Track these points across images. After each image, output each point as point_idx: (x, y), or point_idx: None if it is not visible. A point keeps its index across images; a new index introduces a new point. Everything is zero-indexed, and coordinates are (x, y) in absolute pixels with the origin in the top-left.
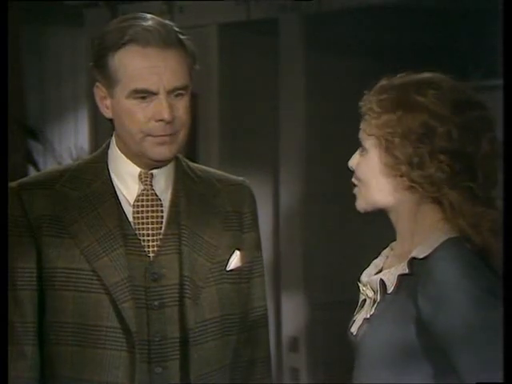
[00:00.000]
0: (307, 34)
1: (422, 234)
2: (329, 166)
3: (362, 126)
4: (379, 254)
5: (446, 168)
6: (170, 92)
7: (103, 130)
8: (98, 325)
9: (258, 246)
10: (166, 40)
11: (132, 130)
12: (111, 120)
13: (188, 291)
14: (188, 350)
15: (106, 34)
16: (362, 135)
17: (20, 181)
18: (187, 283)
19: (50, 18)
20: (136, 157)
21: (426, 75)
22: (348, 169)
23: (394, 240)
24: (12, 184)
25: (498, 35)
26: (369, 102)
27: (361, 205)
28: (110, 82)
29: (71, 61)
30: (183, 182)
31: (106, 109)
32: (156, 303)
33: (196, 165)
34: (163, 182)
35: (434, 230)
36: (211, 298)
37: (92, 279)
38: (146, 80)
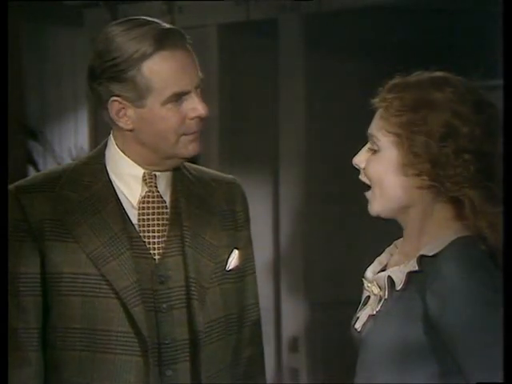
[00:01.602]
0: (307, 34)
1: (431, 232)
2: (329, 166)
3: (379, 124)
4: (383, 251)
5: (471, 167)
6: (196, 88)
7: (103, 130)
8: (108, 329)
9: (250, 243)
10: (182, 38)
11: (167, 133)
12: (123, 128)
13: (195, 293)
14: (197, 351)
15: (118, 47)
16: (375, 133)
17: (17, 184)
18: (193, 284)
19: (49, 18)
20: (162, 159)
21: (440, 74)
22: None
23: (395, 239)
24: (9, 187)
25: (498, 35)
26: (386, 99)
27: (375, 208)
28: (139, 93)
29: (71, 61)
30: (181, 182)
31: (127, 120)
32: (164, 306)
33: (189, 164)
34: (164, 183)
35: (444, 228)
36: (215, 298)
37: (100, 284)
38: (181, 82)
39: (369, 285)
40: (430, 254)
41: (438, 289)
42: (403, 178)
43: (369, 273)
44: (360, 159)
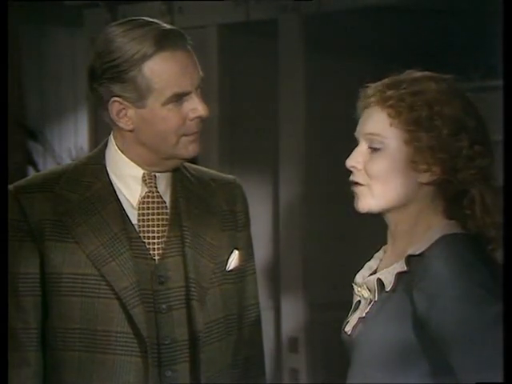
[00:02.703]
0: (307, 34)
1: (419, 232)
2: (329, 166)
3: (386, 121)
4: (372, 256)
5: (487, 158)
6: (196, 88)
7: (103, 130)
8: (108, 330)
9: (250, 244)
10: (183, 39)
11: (168, 134)
12: (125, 129)
13: (194, 293)
14: (197, 352)
15: (119, 48)
16: (380, 131)
17: (16, 184)
18: (193, 285)
19: (49, 18)
20: (162, 160)
21: (429, 73)
22: (348, 169)
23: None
24: (8, 187)
25: (498, 35)
26: (391, 97)
27: (370, 204)
28: (140, 94)
29: (71, 61)
30: (181, 182)
31: (127, 121)
32: (164, 306)
33: (189, 164)
34: (164, 184)
35: (432, 226)
36: (215, 299)
37: (100, 284)
38: (182, 82)
39: (359, 289)
40: (417, 252)
41: (424, 287)
42: (412, 174)
43: (359, 277)
44: (357, 160)
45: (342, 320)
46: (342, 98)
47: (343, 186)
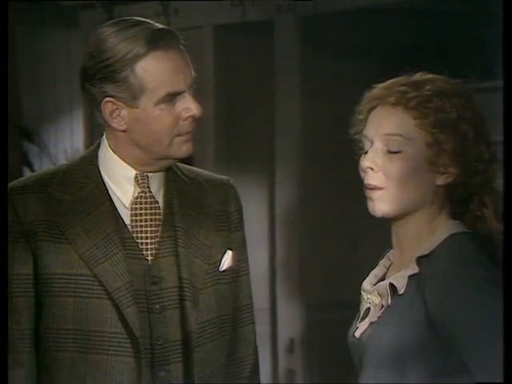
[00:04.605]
0: (303, 35)
1: (426, 234)
2: (325, 167)
3: (410, 122)
4: (377, 264)
5: (499, 159)
6: (189, 87)
7: (98, 131)
8: (101, 330)
9: (244, 244)
10: (175, 38)
11: (161, 134)
12: (118, 129)
13: (188, 293)
14: (190, 352)
15: (111, 48)
16: (401, 132)
17: (10, 185)
18: (186, 285)
19: (45, 19)
20: (155, 160)
21: (439, 75)
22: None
23: (391, 240)
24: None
25: (498, 36)
26: (411, 98)
27: (387, 208)
28: (133, 93)
29: (67, 62)
30: (174, 182)
31: (121, 121)
32: (157, 307)
33: (182, 165)
34: (157, 184)
35: (440, 227)
36: (208, 299)
37: (93, 285)
38: (174, 82)
39: (369, 296)
40: (426, 253)
41: (436, 287)
42: (431, 176)
43: (366, 285)
44: (374, 161)
45: (339, 321)
46: (339, 99)
47: (340, 187)
